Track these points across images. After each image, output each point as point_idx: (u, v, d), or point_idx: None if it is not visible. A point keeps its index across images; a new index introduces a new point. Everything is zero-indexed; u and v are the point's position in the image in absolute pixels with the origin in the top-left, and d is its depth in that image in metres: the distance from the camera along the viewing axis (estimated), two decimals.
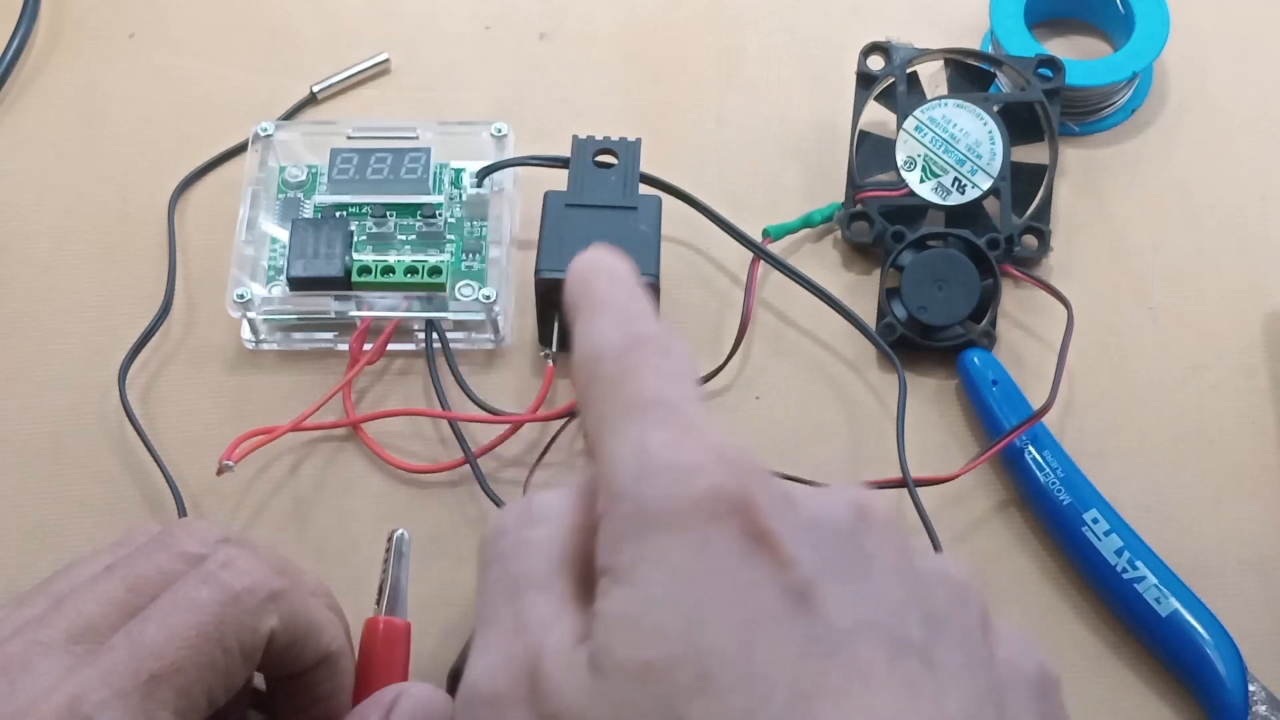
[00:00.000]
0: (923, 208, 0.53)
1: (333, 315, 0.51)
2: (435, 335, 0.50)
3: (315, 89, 0.57)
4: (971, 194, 0.52)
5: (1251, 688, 0.45)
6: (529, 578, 0.27)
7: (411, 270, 0.50)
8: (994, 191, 0.52)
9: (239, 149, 0.55)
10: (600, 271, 0.31)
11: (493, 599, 0.28)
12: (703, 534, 0.25)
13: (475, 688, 0.26)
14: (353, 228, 0.51)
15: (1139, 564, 0.47)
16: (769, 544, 0.25)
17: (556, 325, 0.49)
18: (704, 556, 0.25)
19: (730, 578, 0.25)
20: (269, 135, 0.53)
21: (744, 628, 0.24)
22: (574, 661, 0.25)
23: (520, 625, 0.27)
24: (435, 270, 0.50)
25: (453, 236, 0.52)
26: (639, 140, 0.51)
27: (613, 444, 0.27)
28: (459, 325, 0.51)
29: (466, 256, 0.51)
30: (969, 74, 0.55)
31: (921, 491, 0.48)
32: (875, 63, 0.54)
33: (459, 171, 0.53)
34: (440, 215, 0.52)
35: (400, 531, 0.40)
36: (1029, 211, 0.53)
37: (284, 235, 0.51)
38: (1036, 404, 0.49)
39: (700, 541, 0.25)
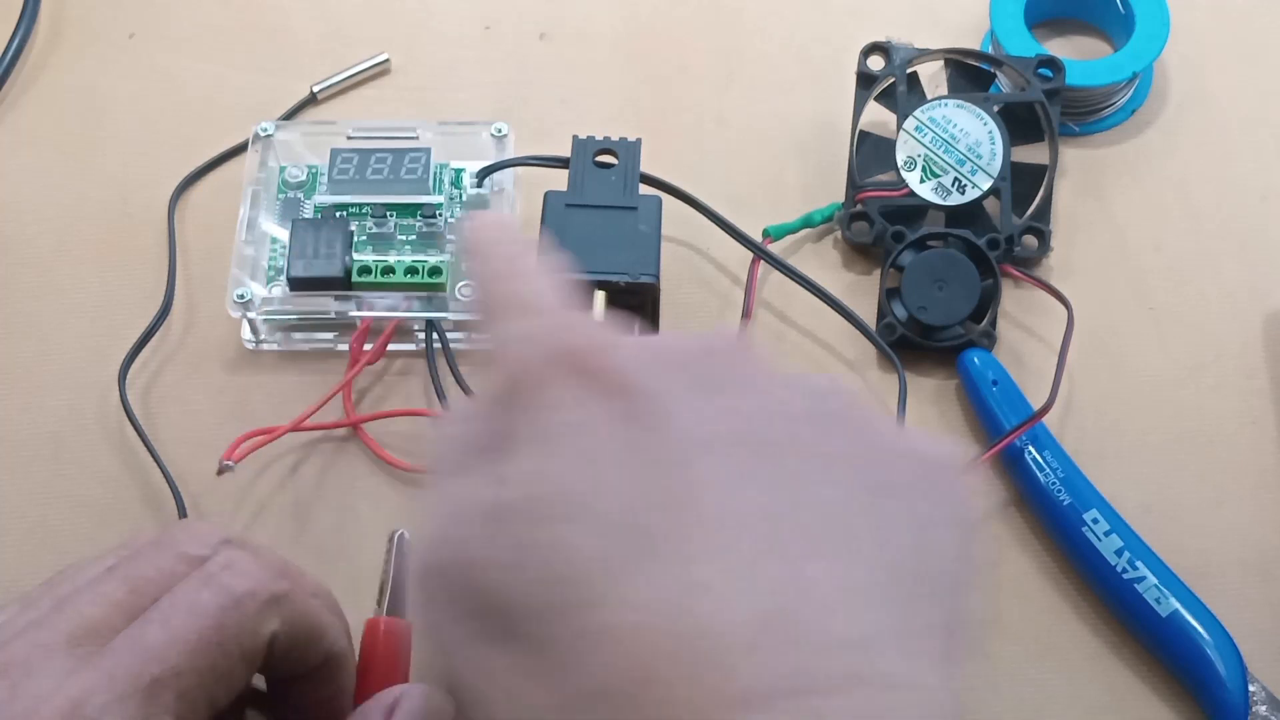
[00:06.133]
0: (923, 208, 0.53)
1: (333, 315, 0.51)
2: (435, 335, 0.50)
3: (315, 89, 0.57)
4: (971, 194, 0.52)
5: (1251, 688, 0.45)
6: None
7: (412, 270, 0.50)
8: (994, 191, 0.52)
9: (239, 149, 0.55)
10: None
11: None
12: (540, 396, 0.27)
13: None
14: (353, 228, 0.51)
15: (1139, 564, 0.47)
16: (600, 380, 0.27)
17: None
18: (547, 414, 0.27)
19: (568, 420, 0.27)
20: (269, 135, 0.53)
21: (582, 461, 0.26)
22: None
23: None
24: (435, 270, 0.50)
25: (453, 236, 0.52)
26: (639, 140, 0.51)
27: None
28: (459, 325, 0.51)
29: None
30: (969, 74, 0.55)
31: None
32: (875, 63, 0.54)
33: (459, 171, 0.53)
34: (440, 215, 0.52)
35: (400, 531, 0.40)
36: (1029, 211, 0.53)
37: (284, 235, 0.51)
38: (1036, 404, 0.49)
39: (539, 403, 0.27)
